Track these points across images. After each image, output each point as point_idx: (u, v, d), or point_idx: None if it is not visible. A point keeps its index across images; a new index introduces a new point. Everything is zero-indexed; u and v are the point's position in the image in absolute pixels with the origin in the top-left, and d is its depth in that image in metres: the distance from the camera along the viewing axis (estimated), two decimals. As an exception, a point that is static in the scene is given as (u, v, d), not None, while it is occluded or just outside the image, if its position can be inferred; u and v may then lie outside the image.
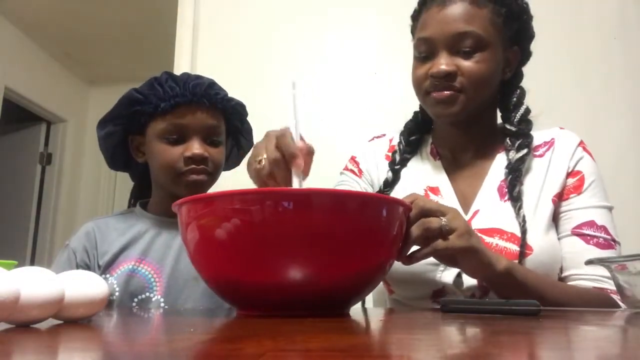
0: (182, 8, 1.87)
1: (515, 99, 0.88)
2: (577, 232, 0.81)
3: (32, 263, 3.62)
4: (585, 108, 1.60)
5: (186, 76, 0.91)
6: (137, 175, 1.03)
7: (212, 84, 0.91)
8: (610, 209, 0.83)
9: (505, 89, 0.89)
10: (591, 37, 1.65)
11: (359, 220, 0.53)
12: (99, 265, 0.88)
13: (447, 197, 0.87)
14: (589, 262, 0.66)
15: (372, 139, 1.02)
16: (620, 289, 0.63)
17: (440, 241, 0.63)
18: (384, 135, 1.02)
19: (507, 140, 0.87)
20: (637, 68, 1.61)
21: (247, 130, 1.01)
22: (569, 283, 0.80)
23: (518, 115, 0.87)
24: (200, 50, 1.82)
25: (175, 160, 0.87)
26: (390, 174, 0.92)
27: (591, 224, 0.80)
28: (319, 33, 1.78)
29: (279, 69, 1.76)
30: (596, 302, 0.75)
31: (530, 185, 0.84)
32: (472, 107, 0.83)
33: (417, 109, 0.98)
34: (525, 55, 0.90)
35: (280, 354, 0.27)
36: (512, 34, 0.85)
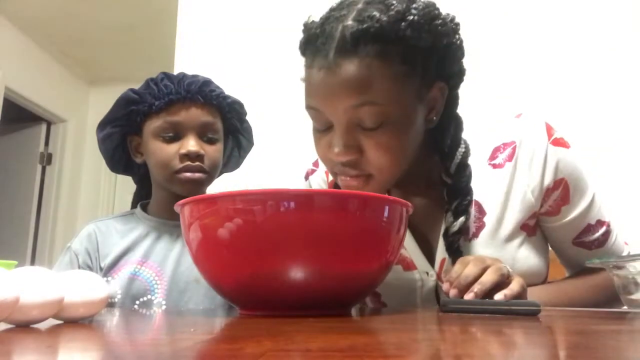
0: (183, 8, 1.87)
1: (449, 142, 0.73)
2: (578, 242, 0.78)
3: (32, 263, 3.62)
4: (584, 108, 1.60)
5: (182, 75, 0.91)
6: (138, 178, 1.03)
7: (207, 82, 0.91)
8: (594, 193, 0.76)
9: (435, 131, 0.73)
10: (591, 38, 1.65)
11: (360, 221, 0.53)
12: (101, 267, 0.88)
13: (410, 248, 0.77)
14: (589, 263, 0.66)
15: (307, 176, 0.92)
16: (620, 289, 0.63)
17: (514, 285, 0.59)
18: (318, 168, 0.90)
19: (445, 195, 0.74)
20: (637, 69, 1.61)
21: (247, 130, 1.01)
22: None
23: (454, 166, 0.73)
24: (200, 50, 1.82)
25: (171, 158, 0.87)
26: None
27: (588, 229, 0.77)
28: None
29: (279, 69, 1.76)
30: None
31: (488, 208, 0.73)
32: (391, 182, 0.71)
33: None
34: (454, 82, 0.73)
35: (280, 354, 0.27)
36: (432, 70, 0.67)
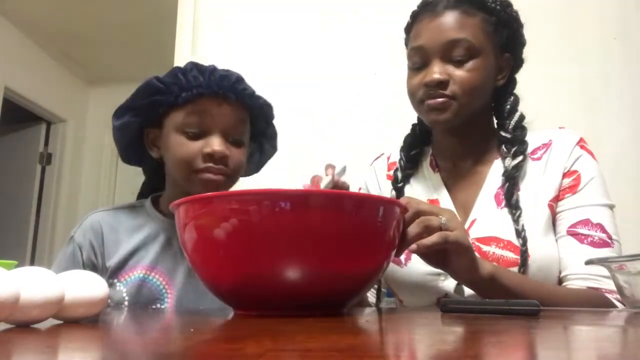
0: (182, 8, 1.87)
1: (509, 106, 0.89)
2: (571, 231, 0.80)
3: (32, 263, 3.62)
4: (585, 108, 1.60)
5: (213, 67, 0.84)
6: (149, 171, 0.96)
7: (240, 79, 0.84)
8: (610, 207, 0.82)
9: (499, 96, 0.90)
10: (591, 37, 1.65)
11: (355, 221, 0.53)
12: (106, 267, 0.83)
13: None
14: (589, 262, 0.66)
15: (372, 162, 1.04)
16: (620, 289, 0.63)
17: (449, 232, 0.63)
18: (382, 154, 1.04)
19: (503, 147, 0.88)
20: (637, 68, 1.61)
21: (272, 134, 0.94)
22: (565, 283, 0.79)
23: (512, 122, 0.88)
24: (200, 50, 1.82)
25: (193, 156, 0.80)
26: (393, 193, 0.94)
27: (586, 222, 0.80)
28: (320, 33, 1.78)
29: (279, 69, 1.76)
30: (589, 303, 0.74)
31: (526, 190, 0.84)
32: (465, 113, 0.84)
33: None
34: (517, 63, 0.91)
35: (280, 354, 0.27)
36: (503, 41, 0.86)
